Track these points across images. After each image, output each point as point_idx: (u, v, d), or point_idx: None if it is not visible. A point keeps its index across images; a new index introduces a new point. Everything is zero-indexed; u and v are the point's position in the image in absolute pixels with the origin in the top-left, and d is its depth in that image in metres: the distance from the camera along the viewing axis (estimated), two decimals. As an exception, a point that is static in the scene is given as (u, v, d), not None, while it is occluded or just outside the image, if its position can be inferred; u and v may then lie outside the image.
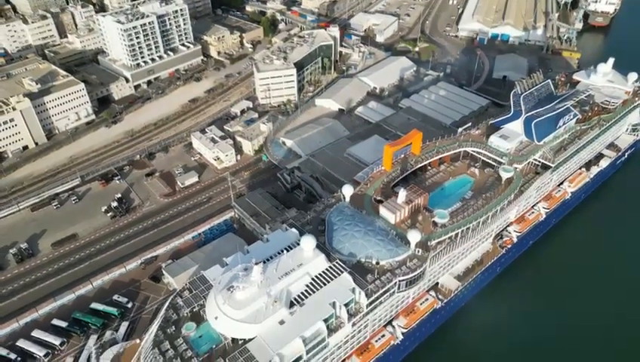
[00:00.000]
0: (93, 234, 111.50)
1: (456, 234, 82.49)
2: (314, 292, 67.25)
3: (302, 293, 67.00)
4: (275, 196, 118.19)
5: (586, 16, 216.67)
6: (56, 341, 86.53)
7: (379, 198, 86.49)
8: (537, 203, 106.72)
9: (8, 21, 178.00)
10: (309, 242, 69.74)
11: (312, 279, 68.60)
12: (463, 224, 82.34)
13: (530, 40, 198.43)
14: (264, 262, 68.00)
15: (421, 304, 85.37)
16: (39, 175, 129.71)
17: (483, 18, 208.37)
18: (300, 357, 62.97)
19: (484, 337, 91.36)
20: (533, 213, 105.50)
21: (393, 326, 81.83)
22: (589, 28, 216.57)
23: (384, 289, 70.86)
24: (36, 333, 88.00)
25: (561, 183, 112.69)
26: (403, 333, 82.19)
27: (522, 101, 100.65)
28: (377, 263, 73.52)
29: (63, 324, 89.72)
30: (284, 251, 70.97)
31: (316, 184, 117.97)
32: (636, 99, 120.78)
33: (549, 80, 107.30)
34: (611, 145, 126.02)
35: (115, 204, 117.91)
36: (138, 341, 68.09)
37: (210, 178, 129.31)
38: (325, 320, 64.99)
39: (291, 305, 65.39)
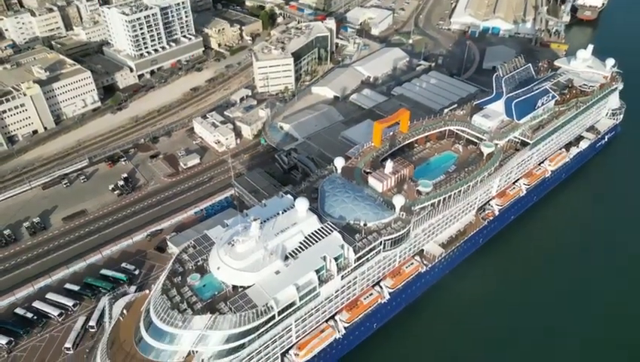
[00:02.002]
0: (102, 210, 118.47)
1: (439, 202, 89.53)
2: (307, 248, 74.13)
3: (296, 249, 73.91)
4: (273, 176, 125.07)
5: (575, 10, 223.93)
6: (69, 302, 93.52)
7: (368, 170, 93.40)
8: (518, 179, 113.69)
9: (16, 14, 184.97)
10: (302, 203, 76.75)
11: (305, 237, 75.48)
12: (444, 192, 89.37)
13: (519, 33, 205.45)
14: (262, 222, 74.86)
15: (407, 267, 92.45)
16: (49, 157, 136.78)
17: (475, 12, 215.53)
18: (294, 303, 69.96)
19: (467, 303, 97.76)
20: (514, 188, 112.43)
21: (381, 287, 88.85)
22: (578, 21, 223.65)
23: (370, 247, 77.75)
24: (50, 296, 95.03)
25: (542, 162, 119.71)
26: (390, 293, 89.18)
27: (503, 83, 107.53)
28: (365, 225, 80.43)
29: (76, 288, 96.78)
30: (280, 213, 77.78)
31: (312, 164, 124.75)
32: (613, 83, 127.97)
33: (529, 64, 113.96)
34: (591, 129, 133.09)
35: (121, 182, 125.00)
36: (148, 291, 74.94)
37: (212, 160, 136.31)
38: (317, 271, 71.87)
39: (286, 258, 72.29)
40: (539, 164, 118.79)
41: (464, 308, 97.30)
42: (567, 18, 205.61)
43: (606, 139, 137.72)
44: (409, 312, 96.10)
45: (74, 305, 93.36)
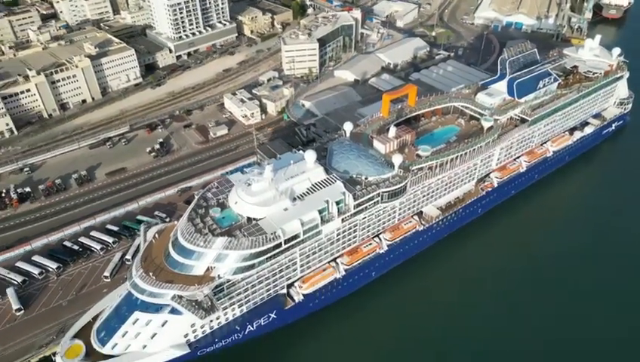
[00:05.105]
0: (139, 168, 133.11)
1: (436, 165, 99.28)
2: (312, 193, 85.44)
3: (303, 193, 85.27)
4: (292, 146, 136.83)
5: (600, 8, 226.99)
6: (109, 239, 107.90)
7: (374, 136, 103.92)
8: (519, 156, 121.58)
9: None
10: (311, 155, 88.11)
11: (312, 184, 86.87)
12: (441, 156, 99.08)
13: (542, 28, 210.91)
14: (275, 170, 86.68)
15: (405, 225, 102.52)
16: (95, 123, 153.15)
17: (499, 7, 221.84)
18: (298, 236, 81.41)
19: (462, 267, 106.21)
20: (514, 164, 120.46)
21: (380, 239, 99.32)
22: (603, 20, 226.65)
23: (369, 196, 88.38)
24: (94, 233, 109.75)
25: (545, 143, 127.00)
26: (388, 245, 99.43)
27: (508, 65, 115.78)
28: (366, 178, 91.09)
29: (115, 228, 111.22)
30: (292, 163, 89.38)
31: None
32: (618, 71, 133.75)
33: (535, 49, 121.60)
34: (598, 116, 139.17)
35: (157, 146, 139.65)
36: (176, 222, 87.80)
37: (238, 132, 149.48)
38: (320, 212, 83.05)
39: (294, 199, 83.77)
40: (541, 145, 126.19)
41: (460, 272, 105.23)
42: (589, 15, 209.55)
43: (613, 127, 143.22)
44: (407, 268, 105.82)
45: (113, 242, 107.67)
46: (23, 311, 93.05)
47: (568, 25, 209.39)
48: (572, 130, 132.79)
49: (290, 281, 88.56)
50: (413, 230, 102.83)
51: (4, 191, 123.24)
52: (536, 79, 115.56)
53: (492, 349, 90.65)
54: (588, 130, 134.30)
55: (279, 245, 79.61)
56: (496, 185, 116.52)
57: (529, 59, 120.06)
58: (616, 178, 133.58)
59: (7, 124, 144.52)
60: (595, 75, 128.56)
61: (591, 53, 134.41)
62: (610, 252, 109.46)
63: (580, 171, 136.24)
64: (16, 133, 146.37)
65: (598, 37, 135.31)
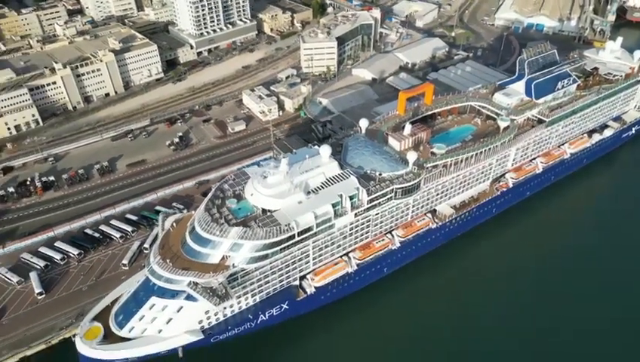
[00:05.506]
0: (159, 161, 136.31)
1: (450, 163, 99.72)
2: (326, 187, 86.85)
3: (317, 187, 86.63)
4: (308, 142, 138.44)
5: (624, 11, 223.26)
6: (128, 228, 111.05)
7: (389, 133, 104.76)
8: (536, 157, 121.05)
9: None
10: (326, 149, 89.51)
11: (327, 179, 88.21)
12: (456, 155, 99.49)
13: (563, 30, 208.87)
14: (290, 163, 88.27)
15: (418, 222, 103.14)
16: (117, 115, 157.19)
17: (520, 8, 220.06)
18: (311, 228, 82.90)
19: (474, 267, 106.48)
20: (530, 165, 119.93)
21: (393, 235, 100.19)
22: (627, 23, 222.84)
23: (382, 192, 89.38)
24: (114, 222, 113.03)
25: (562, 145, 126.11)
26: (401, 242, 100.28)
27: (526, 65, 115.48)
28: (380, 174, 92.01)
29: (134, 218, 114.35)
30: (307, 157, 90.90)
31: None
32: (639, 74, 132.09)
33: (555, 50, 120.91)
34: (618, 119, 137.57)
35: (177, 140, 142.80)
36: (193, 212, 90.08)
37: (256, 127, 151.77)
38: (333, 205, 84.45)
39: (308, 193, 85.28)
40: (558, 146, 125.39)
41: (472, 271, 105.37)
42: (612, 18, 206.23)
43: (633, 131, 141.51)
44: (419, 265, 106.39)
45: (132, 231, 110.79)
46: (44, 295, 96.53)
47: (591, 27, 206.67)
48: (591, 133, 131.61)
49: (302, 273, 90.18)
50: (426, 228, 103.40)
51: (29, 179, 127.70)
52: (554, 80, 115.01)
53: (502, 349, 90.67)
54: (607, 133, 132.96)
55: (292, 237, 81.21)
56: (511, 185, 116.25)
57: (548, 60, 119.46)
58: (636, 182, 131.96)
59: (34, 115, 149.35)
60: (616, 77, 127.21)
61: (612, 56, 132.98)
62: (625, 257, 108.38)
63: (598, 174, 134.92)
64: (41, 124, 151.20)
65: (619, 39, 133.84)
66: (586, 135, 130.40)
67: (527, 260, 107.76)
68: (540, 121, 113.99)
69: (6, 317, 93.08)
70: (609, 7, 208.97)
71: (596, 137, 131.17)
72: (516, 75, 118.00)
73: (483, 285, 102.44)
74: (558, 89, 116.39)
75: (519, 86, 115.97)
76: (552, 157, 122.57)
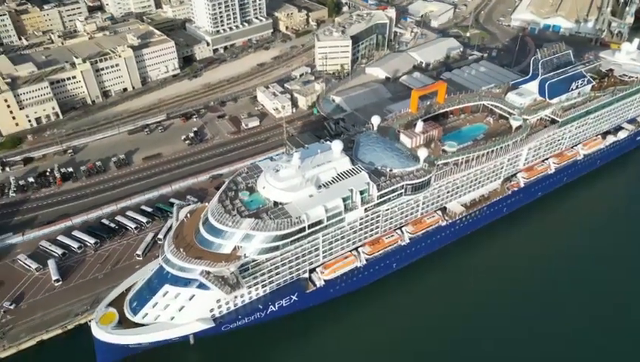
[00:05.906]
0: (174, 155, 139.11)
1: (461, 161, 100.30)
2: (337, 181, 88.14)
3: (328, 181, 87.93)
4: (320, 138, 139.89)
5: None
6: (143, 219, 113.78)
7: (401, 130, 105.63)
8: (548, 158, 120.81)
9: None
10: (337, 144, 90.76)
11: (338, 173, 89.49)
12: (467, 153, 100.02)
13: (580, 32, 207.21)
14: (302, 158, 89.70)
15: (428, 219, 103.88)
16: (134, 110, 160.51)
17: (537, 9, 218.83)
18: (321, 221, 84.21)
19: (483, 265, 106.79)
20: (543, 165, 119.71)
21: (402, 231, 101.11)
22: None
23: (392, 188, 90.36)
24: (129, 213, 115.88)
25: (575, 146, 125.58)
26: (410, 238, 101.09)
27: (540, 65, 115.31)
28: (391, 170, 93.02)
29: (149, 210, 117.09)
30: (319, 152, 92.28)
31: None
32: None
33: (570, 50, 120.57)
34: (633, 121, 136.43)
35: (192, 135, 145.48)
36: (207, 204, 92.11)
37: (269, 124, 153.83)
38: (344, 200, 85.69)
39: (319, 187, 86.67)
40: (572, 147, 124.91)
41: (481, 270, 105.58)
42: (630, 20, 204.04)
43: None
44: (428, 262, 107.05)
45: (147, 222, 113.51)
46: (61, 282, 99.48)
47: (608, 29, 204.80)
48: (605, 134, 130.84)
49: (312, 266, 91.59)
50: (436, 225, 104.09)
51: (48, 170, 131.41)
52: (568, 80, 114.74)
53: (509, 350, 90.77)
54: (622, 134, 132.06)
55: (303, 229, 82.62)
56: (522, 185, 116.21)
57: (563, 60, 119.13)
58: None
59: (54, 108, 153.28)
60: (631, 78, 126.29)
61: (628, 57, 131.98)
62: (638, 261, 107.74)
63: (612, 177, 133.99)
64: (61, 117, 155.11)
65: (636, 40, 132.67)
66: (599, 136, 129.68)
67: (535, 261, 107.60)
68: (553, 121, 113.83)
69: (25, 301, 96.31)
70: (627, 8, 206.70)
71: (610, 139, 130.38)
72: (530, 74, 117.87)
73: (492, 284, 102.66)
74: (572, 89, 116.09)
75: (533, 86, 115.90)
76: (564, 158, 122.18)
